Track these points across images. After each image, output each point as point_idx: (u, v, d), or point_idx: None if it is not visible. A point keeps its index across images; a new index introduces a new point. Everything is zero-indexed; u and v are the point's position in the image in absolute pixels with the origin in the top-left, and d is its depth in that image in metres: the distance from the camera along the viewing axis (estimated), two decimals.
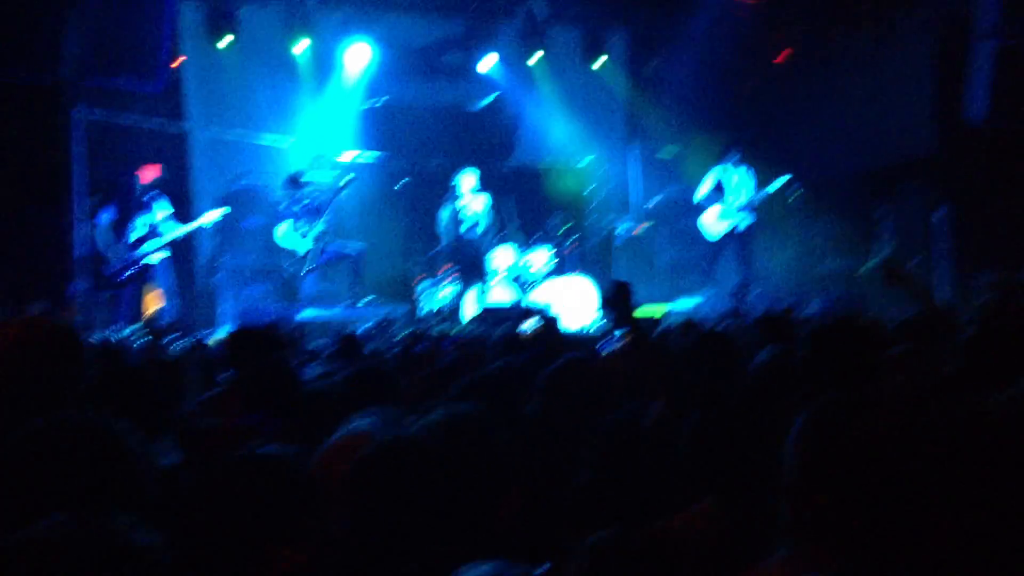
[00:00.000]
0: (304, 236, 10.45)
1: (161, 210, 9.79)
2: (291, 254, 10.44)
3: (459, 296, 10.80)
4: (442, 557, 1.80)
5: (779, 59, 13.24)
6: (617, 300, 3.26)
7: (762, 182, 11.19)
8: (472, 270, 10.75)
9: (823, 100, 12.37)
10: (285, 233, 10.45)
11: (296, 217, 10.45)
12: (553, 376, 3.21)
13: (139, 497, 1.65)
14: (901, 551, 1.35)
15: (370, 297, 10.97)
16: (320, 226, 10.48)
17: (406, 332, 8.69)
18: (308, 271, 10.49)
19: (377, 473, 1.94)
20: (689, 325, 5.33)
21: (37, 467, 1.63)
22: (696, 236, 12.04)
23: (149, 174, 9.94)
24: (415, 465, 1.95)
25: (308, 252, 10.43)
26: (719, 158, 11.51)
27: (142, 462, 1.73)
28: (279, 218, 10.49)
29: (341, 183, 10.81)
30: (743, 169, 11.47)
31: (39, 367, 2.13)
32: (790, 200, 11.10)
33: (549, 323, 4.91)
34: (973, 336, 3.11)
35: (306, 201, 10.51)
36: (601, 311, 2.96)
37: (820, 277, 11.95)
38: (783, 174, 11.11)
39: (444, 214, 10.76)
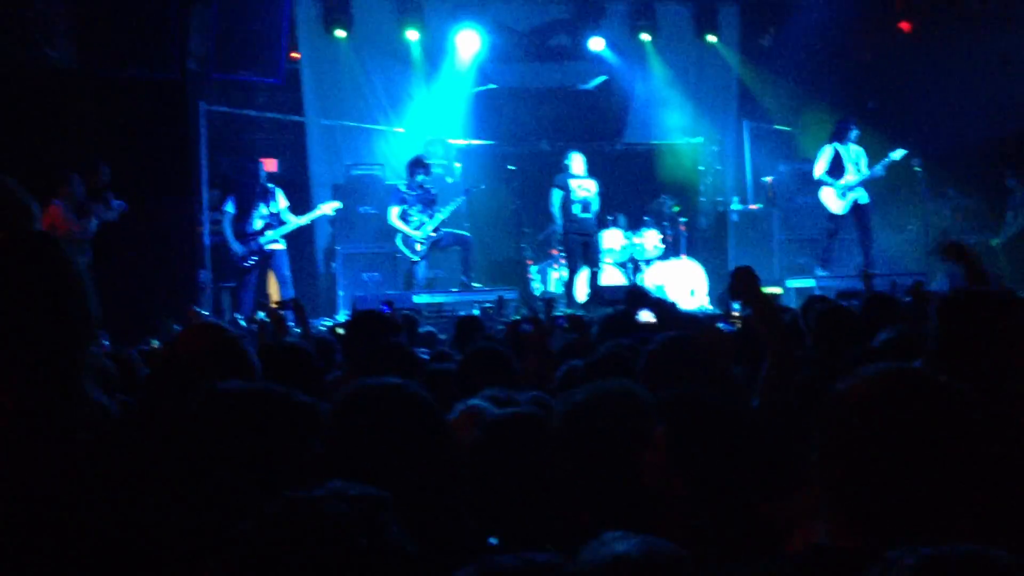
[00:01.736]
0: (420, 226, 10.54)
1: (280, 199, 10.11)
2: (404, 239, 10.57)
3: (570, 279, 10.79)
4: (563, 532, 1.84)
5: (901, 26, 12.74)
6: (742, 285, 3.16)
7: (882, 156, 10.79)
8: (582, 253, 10.71)
9: (947, 68, 11.84)
10: (397, 216, 10.55)
11: (412, 203, 10.56)
12: (654, 354, 3.15)
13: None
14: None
15: (478, 283, 11.08)
16: (440, 216, 10.55)
17: (518, 316, 8.76)
18: (422, 257, 10.62)
19: (501, 443, 1.98)
20: (811, 301, 5.20)
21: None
22: (812, 214, 11.72)
23: (270, 164, 10.28)
24: (533, 440, 1.98)
25: (422, 239, 10.55)
26: (836, 133, 11.15)
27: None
28: (394, 200, 10.62)
29: (451, 176, 10.89)
30: (861, 144, 11.10)
31: (220, 371, 2.20)
32: (916, 170, 10.68)
33: (667, 307, 4.86)
34: None
35: (421, 190, 10.59)
36: (726, 297, 2.84)
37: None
38: (904, 147, 10.69)
39: (555, 197, 10.76)
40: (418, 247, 10.55)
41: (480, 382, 3.61)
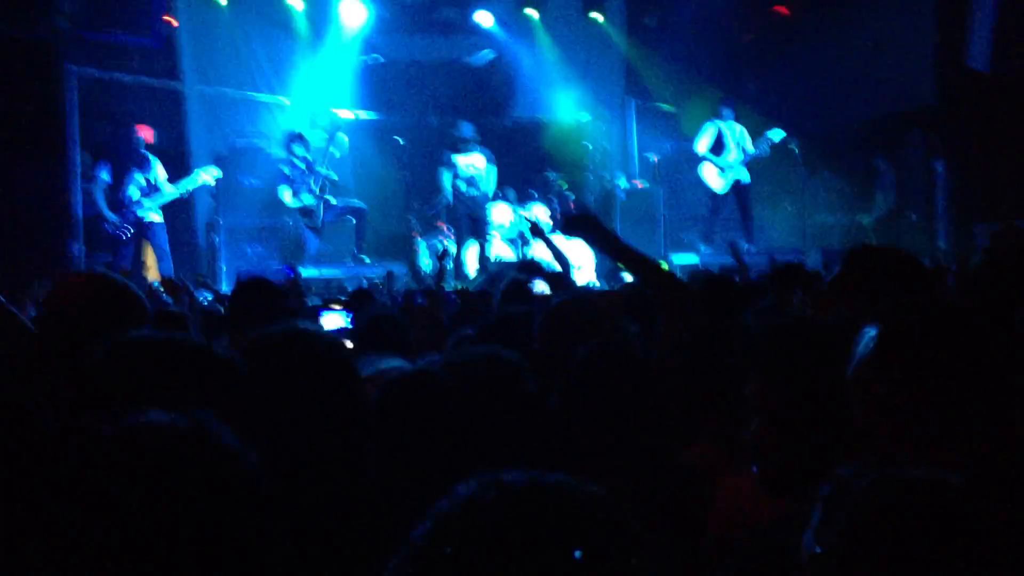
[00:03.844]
0: (308, 191, 10.42)
1: (157, 168, 9.71)
2: (300, 211, 10.43)
3: (458, 253, 10.78)
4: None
5: (777, 9, 13.12)
6: (581, 225, 3.12)
7: (761, 136, 11.12)
8: (471, 227, 10.73)
9: (822, 51, 12.27)
10: (290, 195, 10.44)
11: (299, 179, 10.44)
12: (551, 315, 3.17)
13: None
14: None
15: (367, 257, 10.98)
16: (322, 175, 10.44)
17: (407, 288, 8.69)
18: (312, 227, 10.47)
19: (406, 399, 1.95)
20: (695, 273, 5.33)
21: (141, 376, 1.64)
22: (696, 191, 12.00)
23: (146, 132, 9.86)
24: (440, 395, 1.96)
25: (313, 206, 10.41)
26: (718, 112, 11.43)
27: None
28: (282, 181, 10.45)
29: (332, 147, 10.77)
30: (741, 123, 11.41)
31: (109, 321, 2.08)
32: (794, 151, 11.05)
33: (559, 278, 4.88)
34: (977, 274, 3.06)
35: (303, 164, 10.47)
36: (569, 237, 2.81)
37: (820, 230, 11.94)
38: (782, 127, 11.05)
39: (443, 171, 10.70)
40: (315, 215, 10.43)
41: (377, 347, 3.57)
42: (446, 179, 10.68)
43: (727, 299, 4.32)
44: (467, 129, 10.96)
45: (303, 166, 10.47)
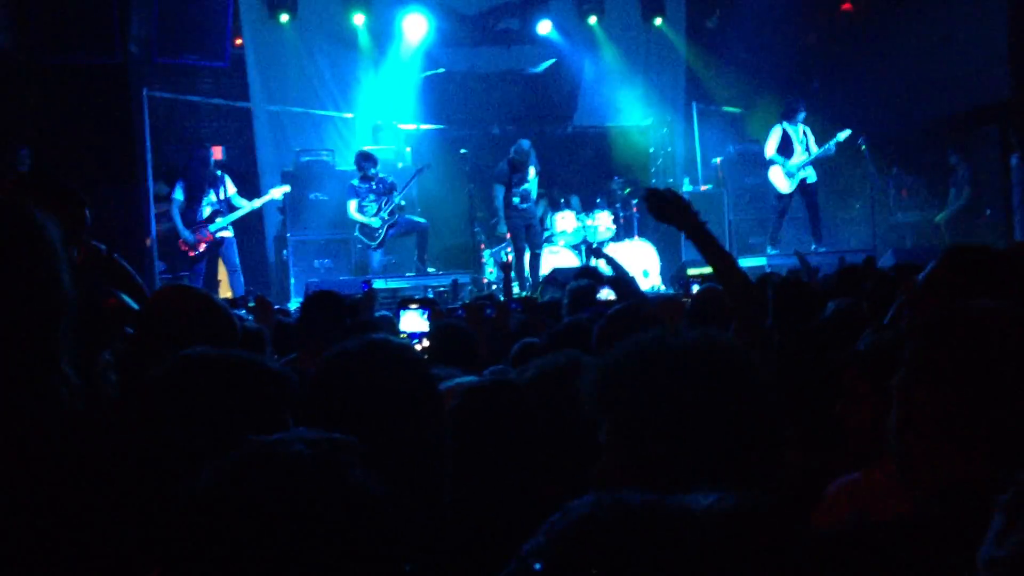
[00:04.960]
0: (376, 214, 10.60)
1: (230, 186, 9.94)
2: (362, 228, 10.61)
3: (518, 262, 10.82)
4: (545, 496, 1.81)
5: (844, 8, 12.90)
6: (666, 205, 2.99)
7: (828, 136, 10.95)
8: (526, 235, 10.80)
9: (891, 49, 12.02)
10: (356, 209, 10.62)
11: (365, 195, 10.62)
12: (609, 321, 3.15)
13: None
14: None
15: (432, 268, 11.12)
16: (395, 202, 10.64)
17: (474, 298, 8.74)
18: (378, 245, 10.65)
19: (487, 408, 1.96)
20: (765, 277, 5.27)
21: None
22: (762, 194, 11.86)
23: (215, 152, 10.10)
24: (521, 403, 1.97)
25: (377, 228, 10.61)
26: (785, 114, 11.28)
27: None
28: (350, 195, 10.63)
29: (415, 169, 10.97)
30: (807, 124, 11.25)
31: (202, 336, 2.07)
32: (863, 150, 10.85)
33: (625, 284, 4.86)
34: None
35: (374, 181, 10.65)
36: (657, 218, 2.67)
37: (892, 229, 11.70)
38: (850, 127, 10.86)
39: (497, 186, 10.82)
40: (377, 235, 10.58)
41: (445, 358, 3.60)
42: (499, 193, 10.82)
43: (799, 303, 4.27)
44: (524, 147, 11.01)
45: (373, 184, 10.65)
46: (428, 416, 1.78)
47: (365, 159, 10.71)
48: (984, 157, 11.48)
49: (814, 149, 11.08)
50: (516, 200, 10.77)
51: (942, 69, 11.32)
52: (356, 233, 10.72)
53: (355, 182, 10.72)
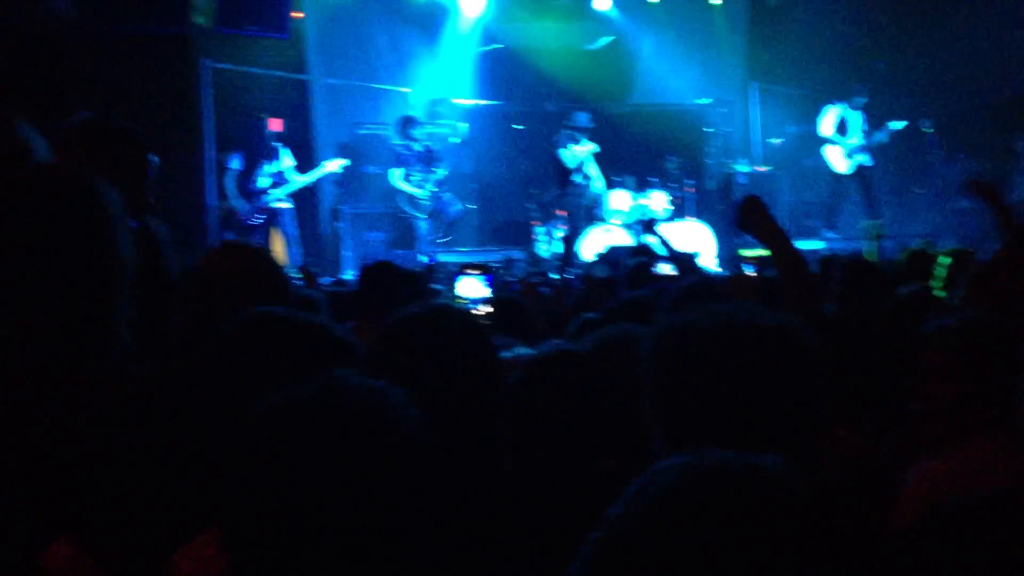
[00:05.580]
0: (420, 183, 10.56)
1: (286, 158, 10.01)
2: (406, 198, 10.58)
3: (573, 240, 10.77)
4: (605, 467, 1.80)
5: None
6: (751, 214, 3.01)
7: (889, 118, 10.74)
8: (584, 215, 10.73)
9: (959, 30, 11.71)
10: (399, 177, 10.59)
11: (411, 162, 10.58)
12: (680, 297, 3.12)
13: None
14: None
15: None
16: (439, 173, 10.59)
17: (528, 273, 8.73)
18: (427, 216, 10.64)
19: (552, 378, 1.95)
20: (829, 260, 5.20)
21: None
22: (820, 176, 11.66)
23: (275, 124, 10.17)
24: (586, 374, 1.96)
25: (424, 198, 10.57)
26: (843, 95, 11.09)
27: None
28: (396, 163, 10.62)
29: (456, 136, 10.87)
30: (865, 112, 11.06)
31: (258, 293, 2.08)
32: (928, 133, 10.62)
33: (685, 259, 4.81)
34: None
35: (419, 147, 10.61)
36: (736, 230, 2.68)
37: (956, 215, 11.44)
38: (915, 107, 10.64)
39: (557, 160, 10.77)
40: (424, 206, 10.56)
41: (501, 329, 3.60)
42: (557, 168, 10.72)
43: (868, 285, 4.22)
44: (583, 119, 10.93)
45: (420, 148, 10.60)
46: (488, 382, 1.77)
47: (406, 123, 10.65)
48: None
49: (871, 134, 10.92)
50: (577, 177, 10.72)
51: (1011, 50, 11.02)
52: (402, 203, 10.62)
53: (399, 148, 10.67)
